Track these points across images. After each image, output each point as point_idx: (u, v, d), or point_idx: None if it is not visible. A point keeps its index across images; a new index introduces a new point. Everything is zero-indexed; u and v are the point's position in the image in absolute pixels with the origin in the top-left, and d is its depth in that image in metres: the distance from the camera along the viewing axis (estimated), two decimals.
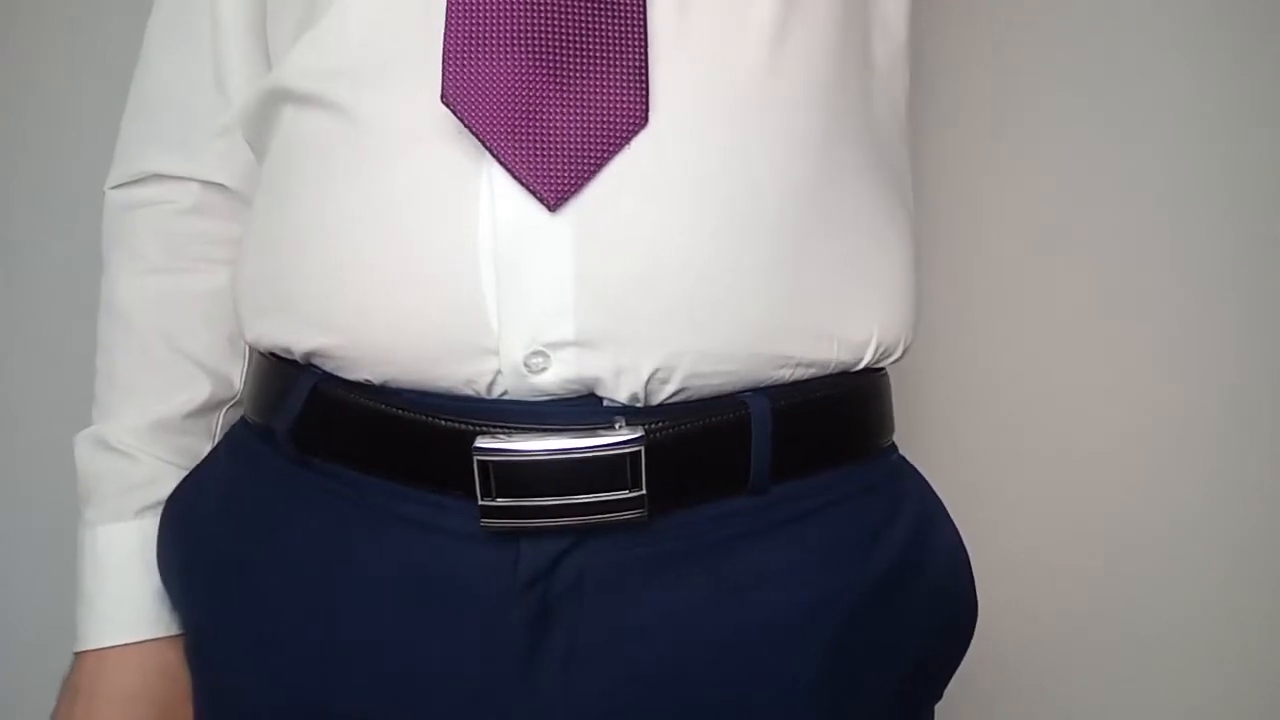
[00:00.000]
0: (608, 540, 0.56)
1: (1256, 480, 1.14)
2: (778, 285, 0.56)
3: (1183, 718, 1.16)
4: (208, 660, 0.64)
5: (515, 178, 0.53)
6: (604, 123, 0.53)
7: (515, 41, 0.53)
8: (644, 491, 0.55)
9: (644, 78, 0.53)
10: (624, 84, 0.53)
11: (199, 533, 0.64)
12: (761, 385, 0.57)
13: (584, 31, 0.53)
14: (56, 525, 1.09)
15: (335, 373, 0.58)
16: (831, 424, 0.60)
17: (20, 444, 1.07)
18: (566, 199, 0.53)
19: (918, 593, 0.62)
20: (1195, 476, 1.14)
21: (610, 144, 0.53)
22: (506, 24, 0.53)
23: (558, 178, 0.53)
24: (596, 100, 0.53)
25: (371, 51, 0.56)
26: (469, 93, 0.53)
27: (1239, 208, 1.11)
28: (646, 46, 0.54)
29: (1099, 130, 1.11)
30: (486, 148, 0.53)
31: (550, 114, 0.53)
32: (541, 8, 0.53)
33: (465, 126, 0.53)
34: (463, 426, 0.55)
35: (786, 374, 0.57)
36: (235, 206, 0.69)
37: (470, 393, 0.55)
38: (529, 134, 0.53)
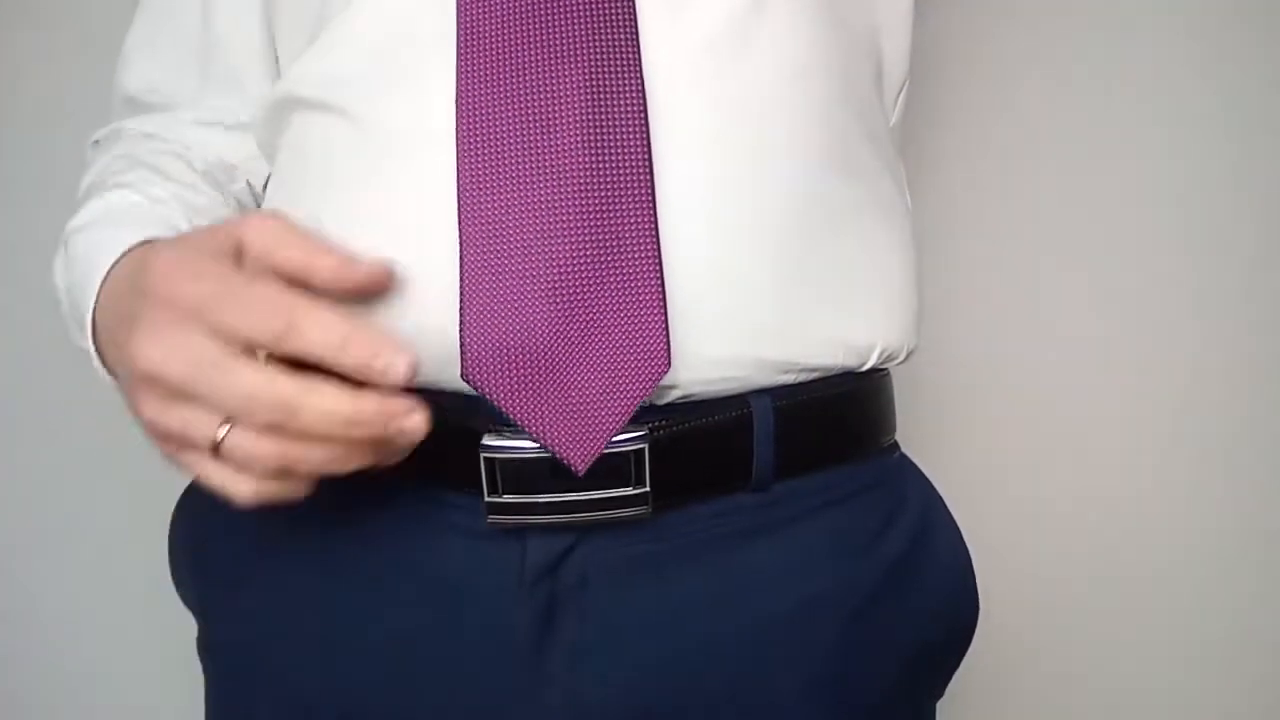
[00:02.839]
0: (612, 537, 0.56)
1: (1263, 480, 1.14)
2: (782, 293, 0.56)
3: (1185, 714, 1.17)
4: (218, 654, 0.64)
5: (542, 444, 0.52)
6: (628, 378, 0.52)
7: (533, 302, 0.52)
8: (647, 489, 0.55)
9: (665, 326, 0.52)
10: (646, 333, 0.52)
11: (209, 529, 0.64)
12: (765, 388, 0.57)
13: (602, 279, 0.52)
14: (58, 526, 1.10)
15: None
16: (833, 423, 0.60)
17: (20, 445, 1.07)
18: (591, 459, 0.53)
19: (919, 591, 0.62)
20: (1199, 475, 1.14)
21: (634, 397, 0.52)
22: (523, 283, 0.52)
23: (584, 443, 0.52)
24: (619, 353, 0.52)
25: (380, 57, 0.56)
26: (489, 365, 0.52)
27: (1248, 209, 1.11)
28: (665, 289, 0.53)
29: (1104, 130, 1.11)
30: (513, 418, 0.52)
31: (573, 375, 0.52)
32: (560, 262, 0.52)
33: (488, 399, 0.52)
34: (469, 424, 0.55)
35: (790, 379, 0.58)
36: (238, 178, 0.69)
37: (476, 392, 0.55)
38: (553, 402, 0.52)
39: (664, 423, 0.55)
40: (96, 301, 0.55)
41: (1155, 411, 1.14)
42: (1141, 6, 1.10)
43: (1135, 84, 1.10)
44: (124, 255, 0.55)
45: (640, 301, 0.52)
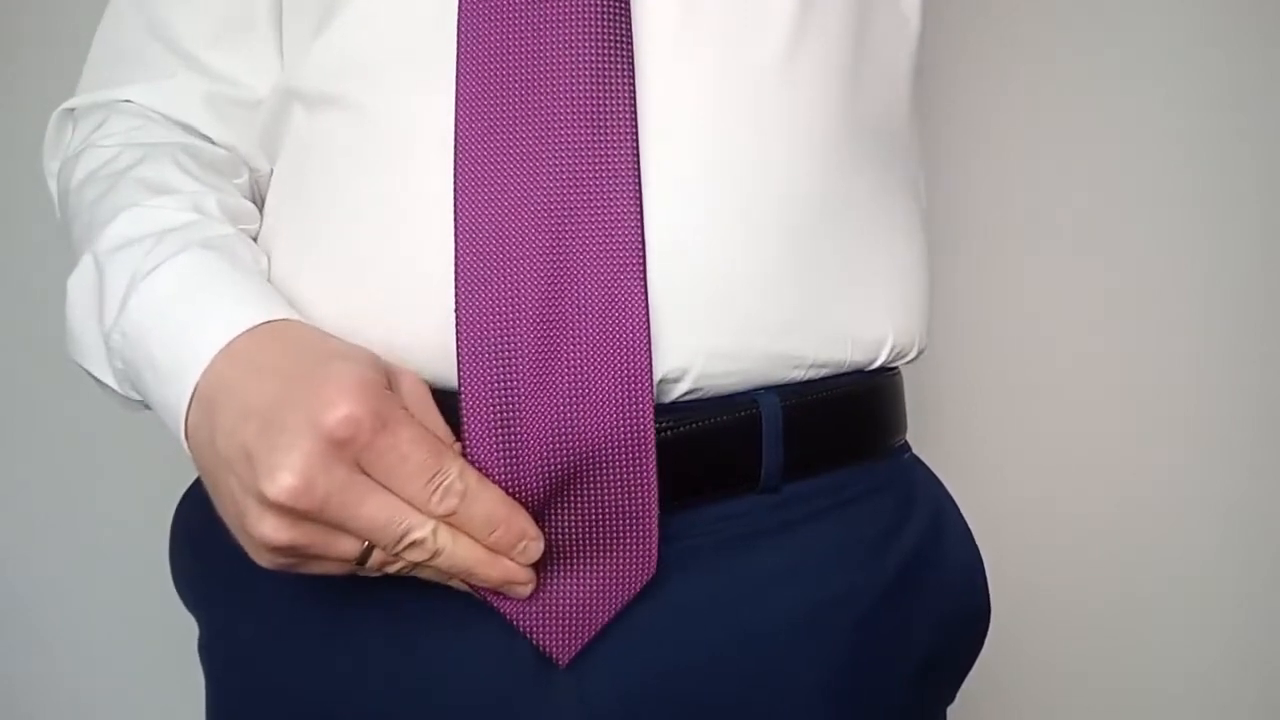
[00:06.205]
0: None
1: (1271, 477, 1.14)
2: (791, 284, 0.55)
3: (1197, 713, 1.17)
4: (221, 664, 0.63)
5: (524, 634, 0.53)
6: (612, 582, 0.53)
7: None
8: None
9: (653, 536, 0.53)
10: (633, 540, 0.53)
11: (211, 530, 0.63)
12: (773, 384, 0.56)
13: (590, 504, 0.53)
14: (56, 526, 1.10)
15: None
16: (843, 423, 0.60)
17: (20, 444, 1.07)
18: (574, 653, 0.53)
19: (930, 593, 0.61)
20: (1206, 474, 1.14)
21: (618, 599, 0.53)
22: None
23: (566, 640, 0.53)
24: (604, 562, 0.53)
25: (385, 52, 0.55)
26: None
27: (1255, 207, 1.11)
28: (656, 503, 0.53)
29: (1118, 128, 1.11)
30: (494, 608, 0.53)
31: (558, 580, 0.53)
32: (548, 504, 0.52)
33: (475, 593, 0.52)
34: None
35: (799, 374, 0.57)
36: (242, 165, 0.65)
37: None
38: (536, 600, 0.53)
39: (671, 423, 0.54)
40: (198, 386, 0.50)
41: (1161, 411, 1.14)
42: (1145, 4, 1.10)
43: (1140, 82, 1.10)
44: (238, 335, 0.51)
45: (635, 517, 0.53)
